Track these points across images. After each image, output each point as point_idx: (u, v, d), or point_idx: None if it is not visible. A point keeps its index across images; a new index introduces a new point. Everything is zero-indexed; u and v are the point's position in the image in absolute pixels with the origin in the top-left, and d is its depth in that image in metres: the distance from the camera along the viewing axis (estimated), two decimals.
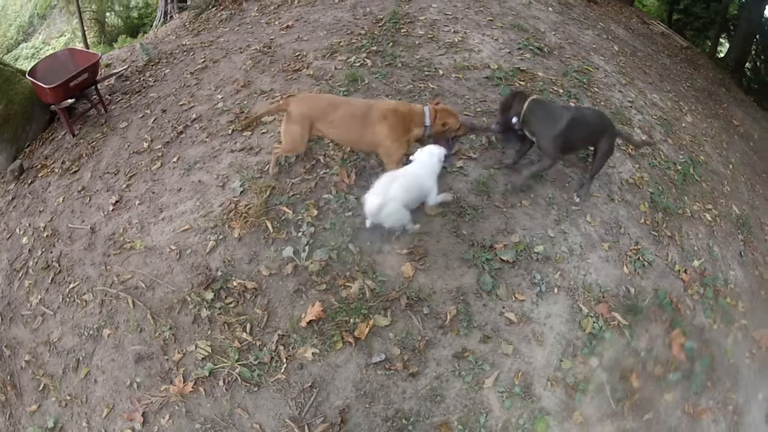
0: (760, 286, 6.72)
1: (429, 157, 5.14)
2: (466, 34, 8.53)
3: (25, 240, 6.60)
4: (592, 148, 6.01)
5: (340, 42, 8.31)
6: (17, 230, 6.84)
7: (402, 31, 8.54)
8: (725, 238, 6.91)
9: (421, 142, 5.59)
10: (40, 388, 5.30)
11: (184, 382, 4.75)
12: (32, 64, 8.49)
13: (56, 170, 7.36)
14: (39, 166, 7.64)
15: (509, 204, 5.79)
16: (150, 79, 8.83)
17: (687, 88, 10.84)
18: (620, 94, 8.20)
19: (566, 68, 8.27)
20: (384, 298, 4.98)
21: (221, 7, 11.90)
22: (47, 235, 6.49)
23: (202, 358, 4.83)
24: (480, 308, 5.02)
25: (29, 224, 6.78)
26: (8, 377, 5.54)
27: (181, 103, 7.68)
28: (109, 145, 7.36)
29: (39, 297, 5.92)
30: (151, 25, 15.69)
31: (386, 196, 4.80)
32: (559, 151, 5.68)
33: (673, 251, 6.14)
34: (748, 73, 18.88)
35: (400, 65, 7.61)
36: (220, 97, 7.54)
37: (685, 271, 6.00)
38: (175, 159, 6.61)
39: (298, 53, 8.18)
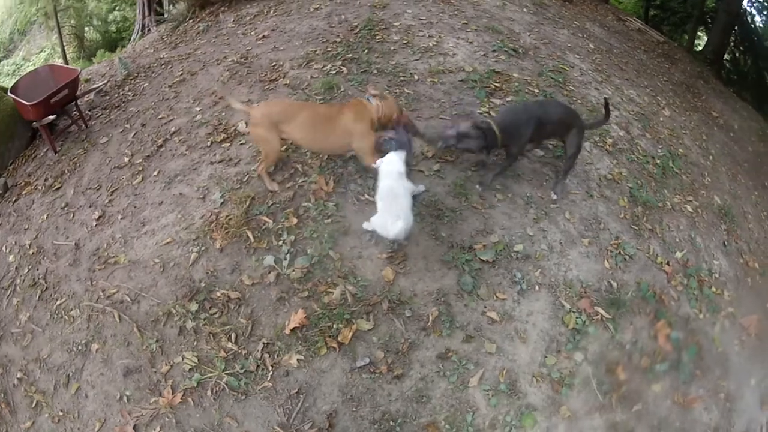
0: (746, 274, 6.79)
1: (392, 164, 5.18)
2: (441, 38, 8.56)
3: (11, 258, 6.62)
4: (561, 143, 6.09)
5: (315, 50, 8.33)
6: (3, 248, 6.85)
7: (377, 37, 8.57)
8: (708, 228, 6.96)
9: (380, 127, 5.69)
10: (33, 405, 5.32)
11: (172, 394, 4.78)
12: (13, 81, 8.50)
13: (39, 187, 7.37)
14: (23, 184, 7.65)
15: (487, 205, 5.83)
16: (129, 93, 8.84)
17: (664, 83, 10.89)
18: (596, 91, 8.25)
19: (541, 68, 8.31)
20: (366, 303, 5.01)
21: (198, 19, 11.91)
22: (33, 253, 6.51)
23: (190, 369, 4.86)
24: (461, 309, 5.07)
25: (15, 242, 6.80)
26: (2, 395, 5.57)
27: (160, 116, 7.69)
28: (90, 161, 7.37)
29: (27, 314, 5.94)
30: (129, 39, 15.68)
31: (406, 217, 4.92)
32: (522, 148, 5.85)
33: (655, 244, 6.19)
34: (727, 65, 18.97)
35: (375, 71, 7.65)
36: (198, 109, 7.56)
37: (668, 263, 6.05)
38: (155, 173, 6.63)
39: (274, 63, 8.20)
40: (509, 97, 7.14)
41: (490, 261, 5.35)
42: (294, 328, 4.87)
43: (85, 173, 7.19)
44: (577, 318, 5.19)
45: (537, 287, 5.33)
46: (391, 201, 4.97)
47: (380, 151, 5.53)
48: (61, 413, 5.14)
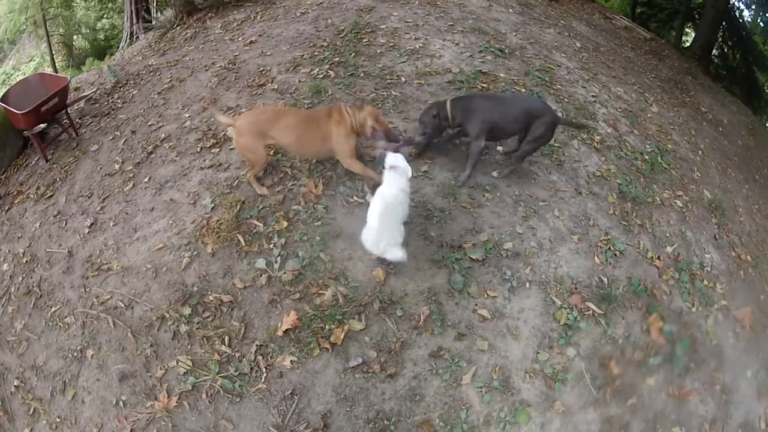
0: (739, 267, 6.85)
1: (394, 183, 5.13)
2: (428, 40, 8.62)
3: (5, 266, 6.61)
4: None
5: (303, 55, 8.37)
6: None
7: (364, 40, 8.61)
8: (698, 222, 7.01)
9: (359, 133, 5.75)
10: (31, 412, 5.32)
11: (168, 398, 4.79)
12: (4, 90, 8.49)
13: (32, 196, 7.37)
14: (15, 193, 7.63)
15: (476, 204, 5.88)
16: (118, 100, 8.85)
17: (652, 79, 10.96)
18: (584, 89, 8.31)
19: (528, 68, 8.37)
20: (357, 303, 5.05)
21: (186, 26, 11.95)
22: (26, 261, 6.50)
23: (184, 373, 4.87)
24: (453, 307, 5.10)
25: (9, 251, 6.79)
26: (0, 403, 5.58)
27: (149, 123, 7.71)
28: (81, 169, 7.38)
29: (23, 322, 5.94)
30: (118, 47, 15.63)
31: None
32: (485, 135, 5.86)
33: (645, 239, 6.24)
34: (716, 60, 19.03)
35: (362, 75, 7.69)
36: (187, 115, 7.58)
37: (659, 258, 6.10)
38: (146, 179, 6.64)
39: (262, 68, 8.24)
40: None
41: (480, 259, 5.39)
42: (287, 329, 4.90)
43: (76, 181, 7.20)
44: (568, 314, 5.23)
45: (527, 284, 5.37)
46: (384, 215, 4.96)
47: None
48: (58, 420, 5.14)
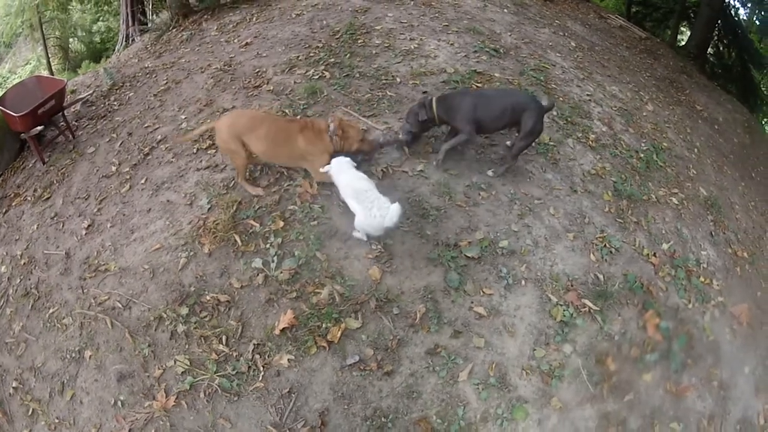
0: (735, 264, 6.87)
1: (340, 164, 5.35)
2: (423, 40, 8.65)
3: (3, 269, 6.62)
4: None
5: (298, 56, 8.38)
6: None
7: (359, 41, 8.63)
8: (694, 220, 7.03)
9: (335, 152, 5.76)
10: (30, 413, 5.33)
11: (166, 397, 4.80)
12: (1, 93, 8.51)
13: (29, 198, 7.38)
14: (12, 195, 7.65)
15: (471, 203, 5.89)
16: (115, 103, 8.86)
17: (647, 78, 10.98)
18: (578, 88, 8.33)
19: (523, 67, 8.40)
20: (354, 302, 5.06)
21: (181, 28, 11.95)
22: (24, 263, 6.51)
23: (182, 372, 4.88)
24: (449, 305, 5.12)
25: (6, 253, 6.80)
26: None
27: (146, 125, 7.72)
28: (78, 171, 7.39)
29: (21, 324, 5.95)
30: (114, 50, 15.62)
31: (385, 202, 5.01)
32: (473, 127, 5.90)
33: (641, 236, 6.27)
34: (711, 59, 19.06)
35: (358, 75, 7.71)
36: (183, 117, 7.60)
37: (654, 255, 6.12)
38: (143, 180, 6.66)
39: (257, 70, 8.26)
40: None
41: (475, 257, 5.41)
42: (284, 328, 4.91)
43: (73, 183, 7.21)
44: (564, 311, 5.25)
45: (523, 282, 5.39)
46: (359, 194, 5.09)
47: None
48: (57, 420, 5.15)
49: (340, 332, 4.88)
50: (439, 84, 7.53)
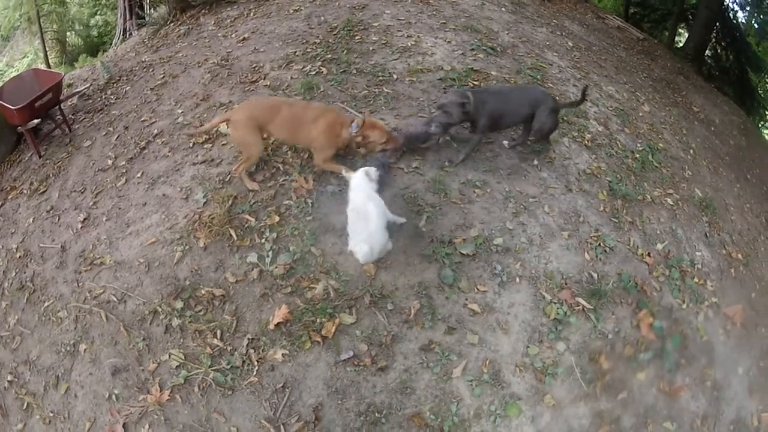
0: (730, 265, 6.88)
1: (359, 181, 5.19)
2: (420, 38, 8.65)
3: None
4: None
5: (295, 52, 8.39)
6: None
7: (356, 38, 8.64)
8: (689, 220, 7.04)
9: (349, 149, 5.87)
10: (24, 407, 5.34)
11: (160, 391, 4.81)
12: None
13: (25, 191, 7.37)
14: (8, 189, 7.64)
15: (466, 200, 5.90)
16: (111, 96, 8.84)
17: (644, 79, 10.99)
18: (575, 88, 8.32)
19: (520, 66, 8.41)
20: (348, 297, 5.08)
21: (179, 23, 11.95)
22: (20, 256, 6.51)
23: (177, 366, 4.90)
24: (443, 301, 5.14)
25: (2, 246, 6.80)
26: None
27: (142, 119, 7.71)
28: (74, 164, 7.39)
29: (16, 317, 5.96)
30: (111, 43, 15.62)
31: (373, 240, 4.91)
32: (487, 128, 6.02)
33: (635, 236, 6.28)
34: (709, 61, 19.07)
35: (354, 72, 7.71)
36: (180, 111, 7.59)
37: (649, 255, 6.14)
38: (139, 174, 6.65)
39: (254, 65, 8.25)
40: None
41: (470, 254, 5.43)
42: (278, 323, 4.93)
43: (69, 176, 7.21)
44: (558, 309, 5.27)
45: (517, 279, 5.40)
46: (355, 221, 5.04)
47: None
48: (51, 414, 5.16)
49: (334, 327, 4.90)
50: (436, 81, 7.53)
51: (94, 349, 5.29)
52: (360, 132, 5.61)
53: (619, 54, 11.78)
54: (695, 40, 17.55)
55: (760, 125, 19.30)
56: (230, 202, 5.81)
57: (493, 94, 6.10)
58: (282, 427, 4.56)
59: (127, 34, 14.40)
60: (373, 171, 5.24)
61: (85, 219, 6.44)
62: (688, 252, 6.55)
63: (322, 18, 9.50)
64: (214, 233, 5.59)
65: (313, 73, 7.71)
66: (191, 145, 6.80)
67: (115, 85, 9.24)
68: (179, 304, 5.20)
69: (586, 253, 5.81)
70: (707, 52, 18.58)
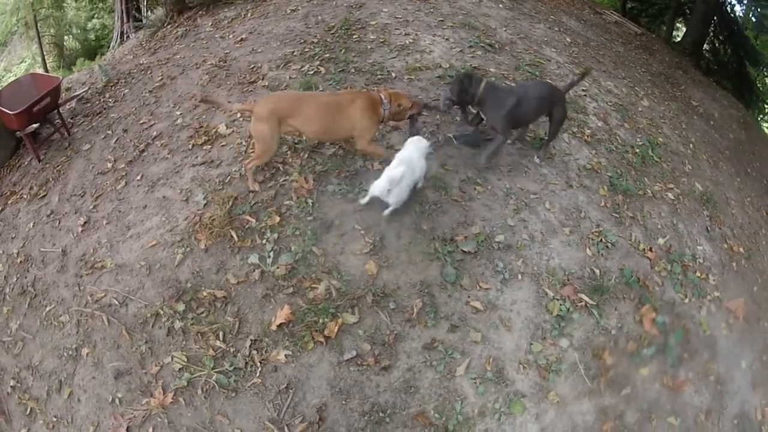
0: (731, 259, 6.88)
1: (418, 143, 5.47)
2: (418, 35, 8.65)
3: (0, 267, 6.63)
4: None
5: (293, 51, 8.38)
6: None
7: (354, 37, 8.63)
8: (690, 215, 7.04)
9: (384, 122, 5.87)
10: (27, 412, 5.34)
11: (164, 394, 4.80)
12: None
13: (25, 196, 7.36)
14: (8, 194, 7.63)
15: (467, 197, 5.90)
16: (110, 99, 8.83)
17: (642, 74, 10.97)
18: None
19: (518, 62, 8.41)
20: (350, 297, 5.06)
21: (176, 24, 11.92)
22: (21, 261, 6.50)
23: (179, 369, 4.89)
24: (445, 299, 5.13)
25: (3, 251, 6.79)
26: None
27: (141, 121, 7.70)
28: (74, 168, 7.38)
29: (18, 322, 5.94)
30: (109, 47, 15.58)
31: (396, 176, 5.04)
32: (509, 128, 6.00)
33: (637, 231, 6.27)
34: (707, 55, 19.04)
35: (353, 70, 7.71)
36: (179, 113, 7.58)
37: (650, 249, 6.14)
38: (138, 177, 6.65)
39: (253, 65, 8.24)
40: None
41: (471, 252, 5.42)
42: (280, 324, 4.91)
43: (69, 180, 7.20)
44: (561, 305, 5.26)
45: (520, 276, 5.39)
46: (395, 166, 5.20)
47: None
48: (55, 419, 5.15)
49: (337, 327, 4.89)
50: (434, 79, 7.53)
51: (96, 353, 5.28)
52: (392, 104, 5.67)
53: (617, 49, 11.76)
54: (693, 34, 17.50)
55: (759, 119, 19.26)
56: (230, 204, 5.80)
57: (512, 92, 6.03)
58: (286, 428, 4.54)
59: (125, 36, 14.38)
60: (426, 142, 5.51)
61: (85, 223, 6.43)
62: (689, 246, 6.55)
63: (320, 17, 9.49)
64: (214, 235, 5.57)
65: (312, 72, 7.70)
66: (191, 146, 6.79)
67: (113, 88, 9.24)
68: (181, 307, 5.19)
69: (587, 249, 5.80)
70: (705, 46, 18.51)
